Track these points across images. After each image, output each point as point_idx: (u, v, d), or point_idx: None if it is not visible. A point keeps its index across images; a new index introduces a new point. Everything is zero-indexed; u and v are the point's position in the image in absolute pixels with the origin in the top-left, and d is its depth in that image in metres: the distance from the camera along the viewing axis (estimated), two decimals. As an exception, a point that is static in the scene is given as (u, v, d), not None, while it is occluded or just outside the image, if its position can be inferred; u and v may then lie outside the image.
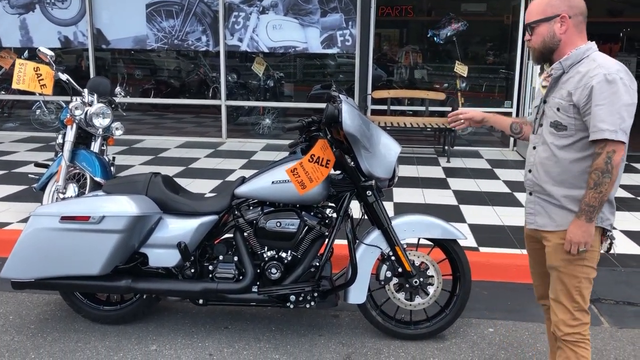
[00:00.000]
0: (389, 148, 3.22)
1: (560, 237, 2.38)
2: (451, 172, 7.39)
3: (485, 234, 5.02)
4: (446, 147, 8.23)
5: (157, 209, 3.30)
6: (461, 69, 9.00)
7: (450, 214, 5.54)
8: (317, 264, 3.25)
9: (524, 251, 4.56)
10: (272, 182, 3.23)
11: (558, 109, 2.32)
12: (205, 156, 8.10)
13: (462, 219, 5.41)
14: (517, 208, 5.81)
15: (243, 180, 3.40)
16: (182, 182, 6.50)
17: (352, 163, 3.22)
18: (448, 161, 7.96)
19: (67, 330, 3.45)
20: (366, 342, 3.36)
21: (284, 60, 10.11)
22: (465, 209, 5.73)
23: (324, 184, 3.21)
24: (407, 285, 3.34)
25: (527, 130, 2.67)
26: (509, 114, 8.95)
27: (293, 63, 10.22)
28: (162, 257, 3.30)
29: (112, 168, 5.27)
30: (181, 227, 3.30)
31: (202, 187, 6.39)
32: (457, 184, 6.76)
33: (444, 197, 6.16)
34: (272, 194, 3.24)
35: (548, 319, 2.75)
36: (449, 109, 8.80)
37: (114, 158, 5.60)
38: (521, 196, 6.23)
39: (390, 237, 3.27)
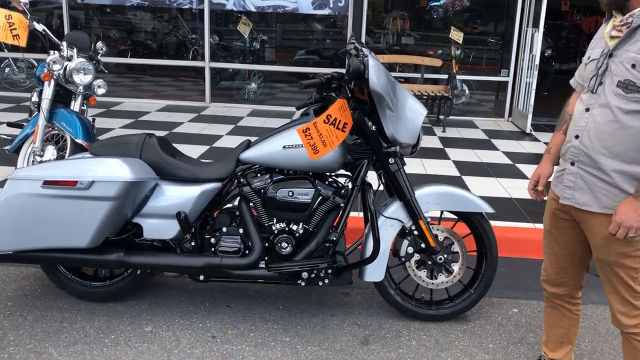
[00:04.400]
0: (415, 111, 2.89)
1: (606, 222, 2.09)
2: (448, 142, 7.10)
3: (494, 207, 4.74)
4: (441, 117, 7.92)
5: (153, 174, 2.92)
6: (456, 35, 8.64)
7: (454, 185, 5.25)
8: (334, 238, 2.92)
9: (537, 225, 4.31)
10: (284, 147, 2.88)
11: (634, 66, 1.99)
12: (188, 121, 7.67)
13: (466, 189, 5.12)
14: (522, 180, 5.56)
15: (248, 144, 3.04)
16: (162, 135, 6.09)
17: (373, 127, 2.88)
18: (444, 131, 7.67)
19: (50, 309, 3.09)
20: (383, 324, 3.07)
21: (271, 22, 9.64)
22: (469, 181, 5.45)
23: (340, 149, 2.87)
24: (429, 263, 3.04)
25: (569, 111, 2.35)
26: (505, 84, 8.68)
27: (280, 24, 9.75)
28: (158, 228, 2.94)
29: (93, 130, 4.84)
30: (180, 195, 2.93)
31: (188, 152, 5.98)
32: (456, 154, 6.48)
33: (445, 168, 5.87)
34: (283, 160, 2.89)
35: (550, 307, 2.53)
36: (445, 76, 8.47)
37: (93, 120, 5.17)
38: (524, 168, 5.99)
39: (413, 209, 2.96)
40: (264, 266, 2.98)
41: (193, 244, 3.01)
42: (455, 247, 3.06)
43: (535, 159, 6.41)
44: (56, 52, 4.48)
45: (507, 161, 6.29)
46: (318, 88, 2.87)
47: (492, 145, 7.01)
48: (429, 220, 3.00)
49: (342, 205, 2.99)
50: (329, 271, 2.95)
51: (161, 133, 6.81)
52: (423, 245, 3.00)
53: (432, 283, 3.07)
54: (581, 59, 2.89)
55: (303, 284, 2.96)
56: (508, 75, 8.59)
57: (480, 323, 3.13)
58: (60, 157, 4.43)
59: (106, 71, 5.14)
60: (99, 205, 2.77)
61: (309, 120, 2.91)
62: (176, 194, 2.94)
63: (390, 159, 2.92)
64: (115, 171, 2.77)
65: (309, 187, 2.91)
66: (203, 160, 3.16)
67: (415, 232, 2.99)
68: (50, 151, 4.42)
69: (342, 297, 3.33)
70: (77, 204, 2.76)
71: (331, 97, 3.03)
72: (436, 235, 3.02)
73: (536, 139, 7.44)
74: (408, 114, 2.86)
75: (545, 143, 7.14)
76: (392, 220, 2.98)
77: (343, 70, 2.96)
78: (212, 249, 3.02)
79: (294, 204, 2.91)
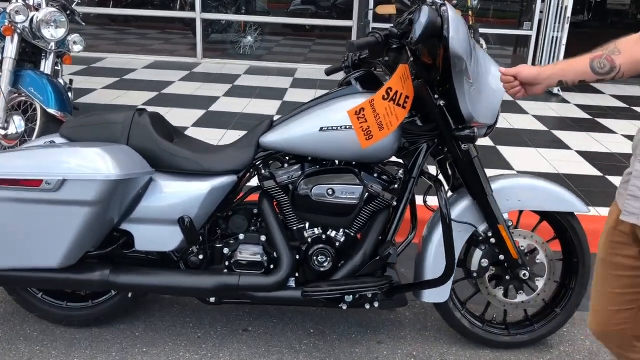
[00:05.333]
0: (498, 81, 2.15)
1: None
2: (471, 104, 6.35)
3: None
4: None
5: (146, 166, 2.18)
6: (475, -17, 7.77)
7: (490, 157, 4.55)
8: (389, 253, 2.21)
9: (600, 210, 3.64)
10: (321, 129, 2.14)
11: None
12: (179, 79, 6.83)
13: (507, 165, 4.43)
14: (565, 151, 4.85)
15: (271, 124, 2.30)
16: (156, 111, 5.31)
17: (441, 101, 2.15)
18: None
19: (15, 339, 2.38)
20: (446, 354, 2.41)
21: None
22: (506, 152, 4.74)
23: (396, 132, 2.14)
24: (507, 278, 2.36)
25: (623, 61, 1.55)
26: (526, 38, 7.88)
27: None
28: (155, 237, 2.22)
29: (69, 94, 4.05)
30: (183, 194, 2.20)
31: (182, 118, 5.21)
32: (484, 119, 5.74)
33: (476, 136, 5.14)
34: (320, 147, 2.16)
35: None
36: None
37: (71, 81, 4.36)
38: (563, 136, 5.28)
39: (491, 210, 2.25)
40: (293, 284, 2.28)
41: (201, 257, 2.29)
42: (540, 257, 2.37)
43: (572, 124, 5.70)
44: (20, 0, 3.64)
45: (542, 127, 5.57)
46: (372, 50, 2.12)
47: (520, 108, 6.27)
48: (510, 224, 2.30)
49: (395, 203, 2.28)
50: (380, 291, 2.25)
51: (150, 95, 6.00)
52: (502, 257, 2.31)
53: (511, 304, 2.39)
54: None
55: (345, 307, 2.27)
56: (531, 29, 7.78)
57: (567, 351, 2.47)
58: (30, 130, 3.66)
59: (84, 24, 4.30)
60: (73, 212, 2.03)
61: (353, 92, 2.17)
62: (178, 192, 2.20)
63: (463, 144, 2.20)
64: (94, 165, 2.02)
65: (355, 182, 2.19)
66: (211, 144, 2.42)
67: (492, 240, 2.30)
68: (17, 123, 3.65)
69: (388, 315, 2.65)
70: (43, 211, 2.02)
71: (373, 62, 2.29)
72: (517, 243, 2.33)
73: (565, 100, 6.71)
74: (491, 85, 2.12)
75: (577, 105, 6.42)
76: (460, 224, 2.28)
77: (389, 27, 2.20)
78: (227, 263, 2.31)
79: (335, 206, 2.19)
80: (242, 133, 4.85)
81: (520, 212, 2.44)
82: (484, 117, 2.16)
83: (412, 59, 2.10)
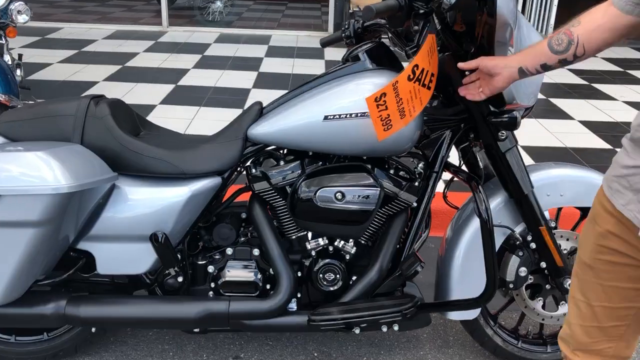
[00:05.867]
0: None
1: None
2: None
3: (547, 160, 3.71)
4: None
5: (107, 170, 1.72)
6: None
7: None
8: (418, 269, 1.81)
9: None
10: (326, 118, 1.71)
11: None
12: (144, 50, 6.27)
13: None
14: (567, 122, 4.51)
15: (261, 112, 1.85)
16: (119, 88, 4.79)
17: (472, 80, 1.72)
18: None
19: (-46, 382, 1.95)
20: (475, 377, 2.05)
21: None
22: (506, 124, 4.36)
23: (418, 117, 1.73)
24: (547, 287, 1.99)
25: (581, 31, 1.26)
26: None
27: None
28: (120, 257, 1.78)
29: (17, 72, 3.53)
30: (155, 204, 1.76)
31: (149, 94, 4.70)
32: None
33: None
34: (324, 140, 1.74)
35: None
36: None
37: (20, 56, 3.83)
38: (563, 104, 4.92)
39: (532, 210, 1.87)
40: (295, 307, 1.88)
41: (180, 279, 1.87)
42: (584, 261, 2.00)
43: (569, 91, 5.35)
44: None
45: (538, 95, 5.21)
46: (392, 16, 1.68)
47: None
48: (553, 225, 1.93)
49: (415, 204, 1.87)
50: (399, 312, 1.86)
51: (112, 69, 5.44)
52: (543, 265, 1.93)
53: (551, 317, 2.03)
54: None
55: (358, 331, 1.88)
56: (519, -12, 7.35)
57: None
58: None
59: (30, -10, 3.75)
60: (13, 236, 1.58)
61: (363, 69, 1.75)
62: (148, 201, 1.76)
63: (500, 132, 1.79)
64: (39, 174, 1.56)
65: (369, 182, 1.77)
66: (188, 136, 1.99)
67: (532, 245, 1.92)
68: (-46, 109, 3.10)
69: (402, 335, 2.26)
70: (-28, 235, 1.57)
71: (379, 29, 1.86)
72: (560, 246, 1.95)
73: (556, 64, 6.34)
74: (535, 60, 1.71)
75: (571, 70, 6.06)
76: (495, 227, 1.89)
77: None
78: (212, 284, 1.89)
79: (346, 213, 1.77)
80: (216, 111, 4.39)
81: (559, 209, 2.06)
82: (527, 97, 1.75)
83: (440, 27, 1.67)
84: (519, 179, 1.84)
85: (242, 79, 5.27)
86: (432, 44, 1.62)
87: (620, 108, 4.89)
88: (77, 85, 4.88)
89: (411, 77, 1.58)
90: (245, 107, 4.44)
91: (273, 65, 5.79)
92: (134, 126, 1.91)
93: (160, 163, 1.76)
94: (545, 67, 1.39)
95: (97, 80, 5.04)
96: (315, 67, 5.78)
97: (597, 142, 4.10)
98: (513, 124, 1.73)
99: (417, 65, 1.58)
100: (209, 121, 4.18)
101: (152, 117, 4.22)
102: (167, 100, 4.62)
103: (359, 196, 1.76)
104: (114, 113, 1.80)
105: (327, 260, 1.84)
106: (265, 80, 5.24)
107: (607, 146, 4.03)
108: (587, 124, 4.46)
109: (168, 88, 4.93)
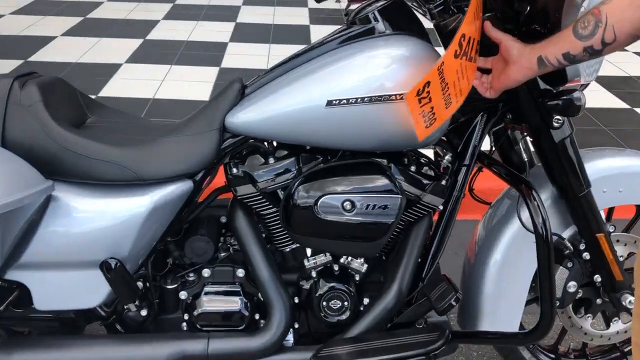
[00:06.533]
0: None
1: None
2: None
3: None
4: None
5: (38, 178, 1.28)
6: None
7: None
8: (452, 304, 1.41)
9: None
10: (329, 103, 1.29)
11: None
12: (108, -1, 5.68)
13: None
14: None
15: (243, 92, 1.41)
16: (80, 44, 4.25)
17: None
18: None
19: None
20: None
21: None
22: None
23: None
24: (598, 302, 1.62)
25: (610, 10, 0.99)
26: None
27: None
28: (62, 290, 1.37)
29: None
30: (105, 221, 1.33)
31: (113, 51, 4.19)
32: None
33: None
34: (326, 132, 1.33)
35: None
36: None
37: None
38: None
39: (589, 213, 1.48)
40: (291, 340, 1.50)
41: (144, 312, 1.46)
42: (643, 269, 1.64)
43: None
44: None
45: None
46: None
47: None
48: (612, 229, 1.55)
49: (440, 207, 1.48)
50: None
51: (72, 21, 4.87)
52: (597, 278, 1.56)
53: (601, 336, 1.67)
54: None
55: (371, 365, 1.51)
56: None
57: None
58: None
59: None
60: None
61: (377, 36, 1.32)
62: (95, 217, 1.34)
63: (555, 117, 1.38)
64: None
65: (387, 187, 1.36)
66: (148, 121, 1.56)
67: (586, 255, 1.54)
68: None
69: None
70: None
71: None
72: (615, 252, 1.58)
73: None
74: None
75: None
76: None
77: None
78: (185, 315, 1.49)
79: (357, 228, 1.37)
80: (189, 70, 3.90)
81: (610, 209, 1.67)
82: (591, 72, 1.34)
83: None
84: (574, 176, 1.44)
85: (218, 32, 4.75)
86: (479, 3, 1.19)
87: (633, 60, 4.50)
88: (31, 41, 4.33)
89: (458, 52, 1.16)
90: (222, 65, 3.96)
91: (252, 15, 5.27)
92: (78, 113, 1.46)
93: (110, 167, 1.33)
94: (569, 58, 1.08)
95: (55, 35, 4.50)
96: (299, 16, 5.26)
97: (613, 101, 3.72)
98: (575, 109, 1.32)
99: (464, 35, 1.15)
100: (181, 82, 3.71)
101: (117, 79, 3.73)
102: (134, 58, 4.12)
103: (374, 206, 1.35)
104: (46, 99, 1.35)
105: (332, 285, 1.45)
106: (244, 33, 4.73)
107: (625, 105, 3.65)
108: (598, 79, 4.06)
109: (136, 43, 4.41)
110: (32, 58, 4.03)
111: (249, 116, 1.35)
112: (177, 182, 1.37)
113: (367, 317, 1.45)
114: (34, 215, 1.30)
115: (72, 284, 1.36)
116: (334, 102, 1.29)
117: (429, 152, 1.57)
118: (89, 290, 1.37)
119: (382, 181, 1.36)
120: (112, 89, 3.58)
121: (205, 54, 4.22)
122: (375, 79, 1.28)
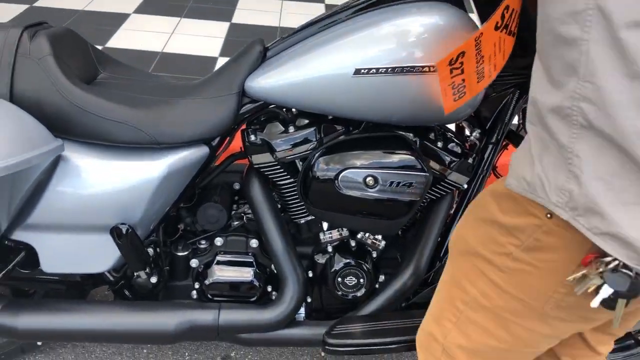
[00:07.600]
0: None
1: None
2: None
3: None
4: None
5: (48, 137, 1.22)
6: None
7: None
8: None
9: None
10: (357, 72, 1.22)
11: None
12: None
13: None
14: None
15: (264, 55, 1.34)
16: (63, 27, 4.10)
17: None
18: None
19: None
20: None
21: None
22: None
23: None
24: None
25: None
26: None
27: None
28: (70, 253, 1.32)
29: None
30: (116, 185, 1.28)
31: (121, 0, 4.04)
32: None
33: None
34: (352, 102, 1.25)
35: None
36: None
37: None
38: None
39: None
40: (303, 315, 1.46)
41: (154, 279, 1.42)
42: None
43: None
44: None
45: None
46: None
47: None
48: None
49: (465, 186, 1.42)
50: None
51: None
52: None
53: None
54: None
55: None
56: None
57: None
58: None
59: None
60: None
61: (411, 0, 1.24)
62: (106, 180, 1.28)
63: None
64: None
65: (412, 162, 1.29)
66: (164, 80, 1.48)
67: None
68: None
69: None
70: None
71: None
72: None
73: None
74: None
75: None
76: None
77: None
78: (196, 284, 1.45)
79: (379, 205, 1.31)
80: (199, 23, 3.77)
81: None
82: None
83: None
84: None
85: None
86: (524, -27, 1.11)
87: None
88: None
89: (499, 24, 1.08)
90: (233, 20, 3.84)
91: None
92: (89, 68, 1.39)
93: (124, 128, 1.26)
94: None
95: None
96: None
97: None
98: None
99: (507, 7, 1.07)
100: (191, 37, 3.59)
101: (123, 30, 3.61)
102: (142, 9, 3.98)
103: (398, 183, 1.29)
104: (57, 52, 1.27)
105: (348, 261, 1.40)
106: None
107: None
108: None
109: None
110: (38, 3, 3.90)
111: (269, 81, 1.28)
112: (192, 147, 1.31)
113: (383, 296, 1.41)
114: (43, 175, 1.25)
115: (81, 247, 1.31)
116: (363, 70, 1.22)
117: (452, 128, 1.50)
118: (98, 255, 1.32)
119: (407, 157, 1.29)
120: (120, 41, 3.47)
121: (216, 7, 4.09)
122: (406, 48, 1.21)
